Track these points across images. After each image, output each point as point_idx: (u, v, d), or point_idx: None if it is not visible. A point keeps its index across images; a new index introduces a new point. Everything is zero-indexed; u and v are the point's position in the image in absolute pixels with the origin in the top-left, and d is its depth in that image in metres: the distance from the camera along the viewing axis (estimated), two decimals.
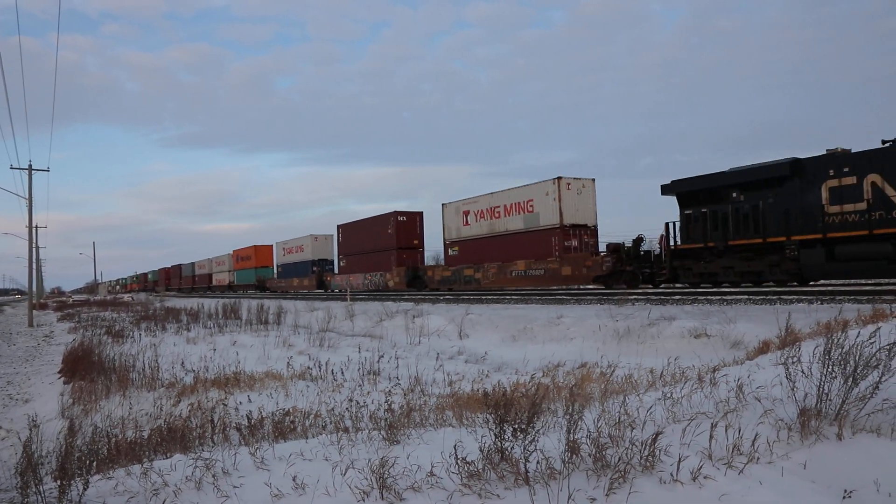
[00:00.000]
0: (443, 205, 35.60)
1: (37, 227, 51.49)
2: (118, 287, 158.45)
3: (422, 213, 40.50)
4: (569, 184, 27.78)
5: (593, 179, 28.64)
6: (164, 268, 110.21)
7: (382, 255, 39.89)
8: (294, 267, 55.08)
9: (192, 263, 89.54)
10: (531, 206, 29.20)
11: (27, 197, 36.50)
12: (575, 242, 27.45)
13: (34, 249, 40.39)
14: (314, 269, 51.14)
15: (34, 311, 36.18)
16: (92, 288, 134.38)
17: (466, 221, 33.91)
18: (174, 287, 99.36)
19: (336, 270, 50.17)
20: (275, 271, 61.45)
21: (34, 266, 40.30)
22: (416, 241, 39.56)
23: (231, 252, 71.17)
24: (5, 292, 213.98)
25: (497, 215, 31.60)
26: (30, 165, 35.84)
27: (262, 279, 62.85)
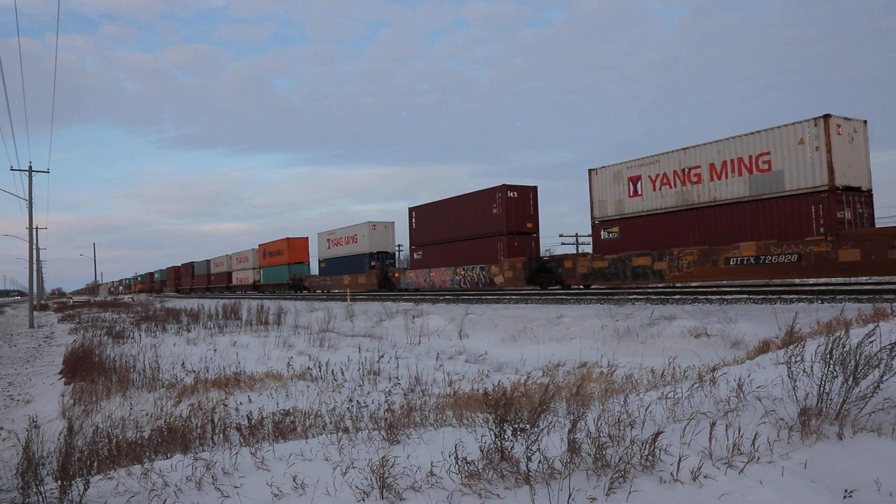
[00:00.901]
0: (590, 171, 26.39)
1: (37, 228, 51.59)
2: (121, 288, 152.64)
3: (535, 187, 30.38)
4: (839, 126, 18.99)
5: (864, 122, 19.82)
6: (174, 266, 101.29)
7: (484, 244, 30.68)
8: (344, 262, 45.90)
9: (208, 261, 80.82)
10: (765, 161, 20.39)
11: (27, 198, 36.51)
12: (848, 214, 19.00)
13: (34, 251, 40.39)
14: (372, 263, 42.14)
15: (35, 313, 36.18)
16: (92, 289, 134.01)
17: (635, 191, 24.67)
18: (185, 287, 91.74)
19: (397, 264, 44.03)
20: (316, 267, 51.93)
21: (34, 267, 40.29)
22: (529, 225, 30.06)
23: (256, 247, 63.01)
24: (6, 293, 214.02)
25: (695, 179, 22.52)
26: (30, 167, 35.85)
27: (298, 277, 54.41)
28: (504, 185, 29.65)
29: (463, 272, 32.70)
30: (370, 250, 42.79)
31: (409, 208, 37.20)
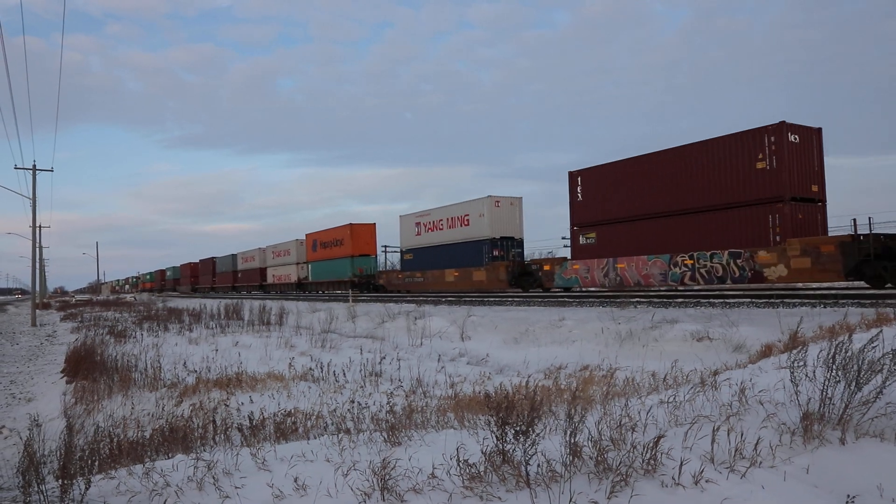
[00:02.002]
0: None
1: (40, 226, 51.64)
2: (127, 286, 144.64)
3: (820, 129, 20.37)
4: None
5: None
6: (190, 263, 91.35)
7: (741, 217, 20.28)
8: (447, 252, 34.66)
9: (233, 256, 71.44)
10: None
11: (31, 197, 36.59)
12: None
13: (37, 249, 40.45)
14: (495, 252, 31.69)
15: (37, 311, 36.24)
16: (95, 288, 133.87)
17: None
18: (204, 286, 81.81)
19: (545, 252, 32.17)
20: (398, 260, 40.70)
21: (37, 266, 40.35)
22: (815, 188, 20.09)
23: (303, 237, 53.48)
24: (8, 292, 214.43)
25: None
26: (34, 165, 35.93)
27: (368, 273, 44.17)
28: (784, 122, 19.24)
29: (689, 262, 21.74)
30: (491, 235, 31.83)
31: (572, 173, 26.46)
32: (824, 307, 14.14)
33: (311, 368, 10.18)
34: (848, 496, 3.38)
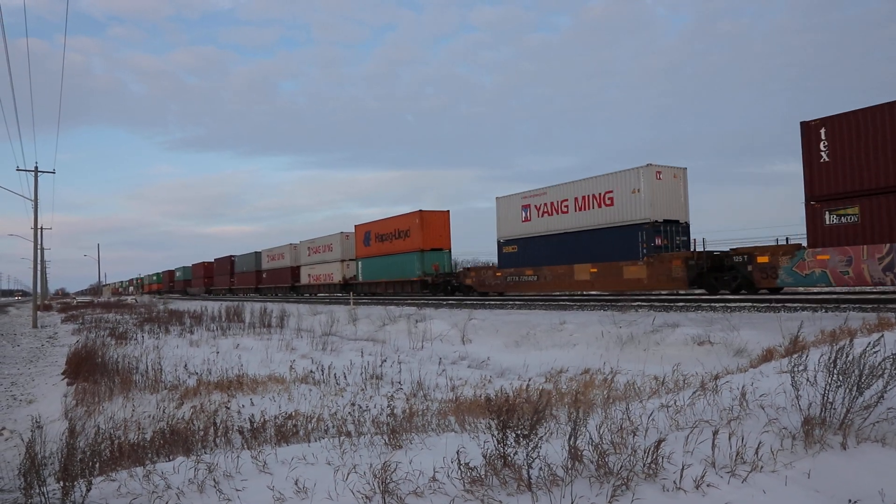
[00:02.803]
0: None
1: (42, 228, 51.67)
2: (132, 288, 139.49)
3: None
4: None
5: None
6: (203, 263, 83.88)
7: None
8: (574, 241, 27.09)
9: (257, 254, 63.87)
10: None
11: (33, 198, 36.63)
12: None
13: (39, 251, 40.47)
14: (657, 241, 23.93)
15: (38, 313, 36.26)
16: (96, 289, 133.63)
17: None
18: (220, 288, 75.54)
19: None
20: (497, 253, 31.73)
21: (39, 267, 40.38)
22: None
23: (348, 229, 45.94)
24: (9, 293, 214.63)
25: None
26: (35, 167, 35.97)
27: (446, 272, 36.57)
28: None
29: None
30: (651, 217, 23.98)
31: (809, 124, 18.87)
32: (826, 312, 14.14)
33: (311, 371, 10.18)
34: (849, 501, 3.37)
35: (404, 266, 38.52)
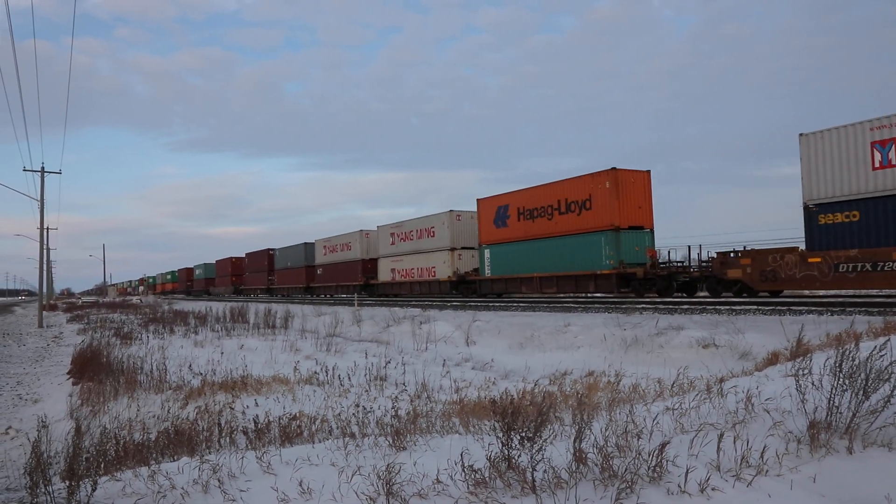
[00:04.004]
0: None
1: (48, 228, 51.85)
2: (142, 288, 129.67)
3: None
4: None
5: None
6: (230, 258, 72.34)
7: None
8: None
9: (308, 245, 52.07)
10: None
11: (39, 199, 36.76)
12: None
13: (45, 251, 40.64)
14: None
15: (44, 312, 36.38)
16: (102, 290, 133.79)
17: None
18: (254, 288, 63.94)
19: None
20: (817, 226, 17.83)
21: (45, 267, 40.55)
22: None
23: (462, 208, 34.58)
24: (15, 293, 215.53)
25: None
26: (42, 168, 36.09)
27: (674, 264, 24.66)
28: None
29: None
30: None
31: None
32: (831, 315, 14.08)
33: (316, 372, 10.19)
34: None
35: (580, 253, 25.79)
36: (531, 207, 28.65)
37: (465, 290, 33.48)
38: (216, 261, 78.59)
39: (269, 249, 59.91)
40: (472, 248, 33.91)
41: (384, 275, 41.03)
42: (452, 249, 34.62)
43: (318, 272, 50.35)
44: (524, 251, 28.84)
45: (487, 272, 31.39)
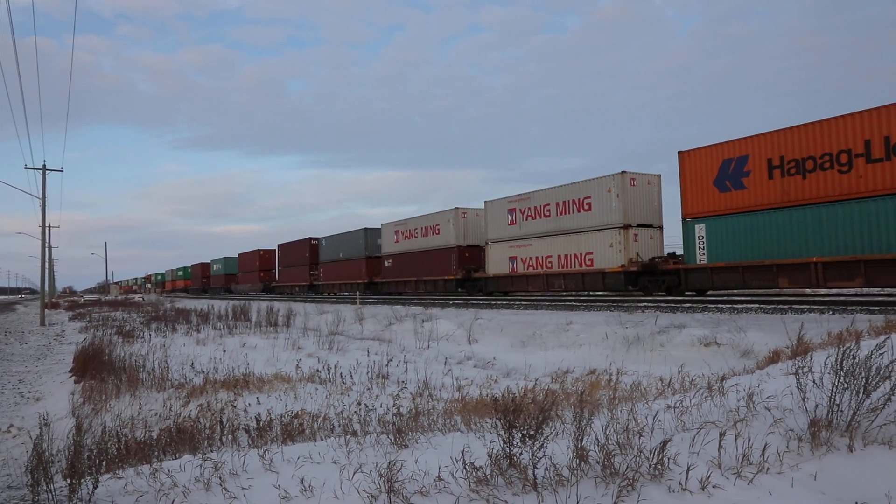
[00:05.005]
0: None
1: (49, 226, 51.90)
2: (148, 286, 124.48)
3: None
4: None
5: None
6: (258, 251, 63.76)
7: None
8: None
9: (369, 231, 43.22)
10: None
11: (41, 197, 36.80)
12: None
13: (47, 249, 40.68)
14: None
15: (46, 310, 36.43)
16: (104, 288, 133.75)
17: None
18: (291, 284, 55.48)
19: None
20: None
21: (46, 265, 40.60)
22: None
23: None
24: (17, 290, 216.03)
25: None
26: (44, 165, 36.10)
27: None
28: None
29: None
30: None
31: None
32: (833, 313, 14.08)
33: (318, 370, 10.20)
34: (856, 503, 3.36)
35: None
36: (799, 157, 19.08)
37: (649, 284, 24.18)
38: (239, 254, 70.25)
39: (310, 239, 51.60)
40: (650, 227, 25.57)
41: (497, 265, 31.49)
42: (625, 227, 24.82)
43: (387, 264, 40.78)
44: (787, 223, 19.27)
45: (701, 258, 21.67)
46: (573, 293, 29.01)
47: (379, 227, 42.88)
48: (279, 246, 59.13)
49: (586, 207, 26.79)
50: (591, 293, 28.74)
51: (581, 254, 26.89)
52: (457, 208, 34.76)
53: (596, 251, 26.11)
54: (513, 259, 30.62)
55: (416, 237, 38.27)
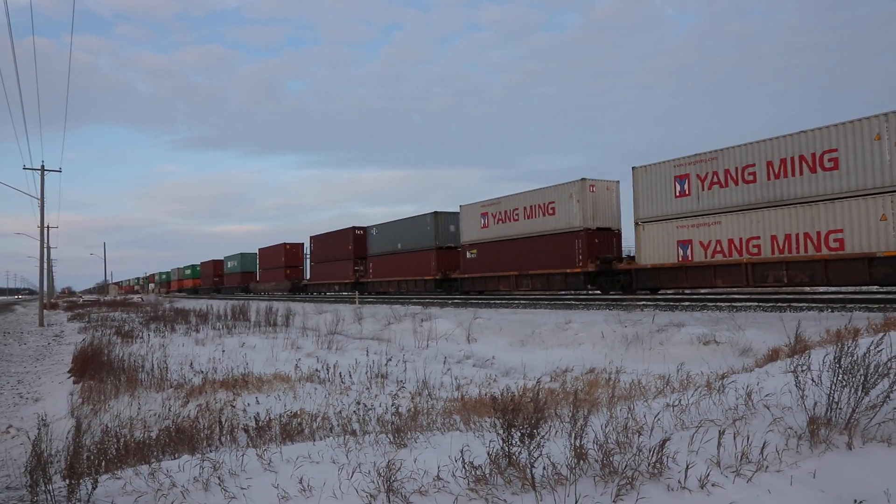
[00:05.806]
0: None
1: (48, 227, 51.83)
2: (152, 286, 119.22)
3: None
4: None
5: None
6: (285, 244, 56.06)
7: None
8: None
9: (440, 215, 35.96)
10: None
11: (39, 197, 36.76)
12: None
13: (45, 249, 40.64)
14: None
15: (45, 311, 36.40)
16: (103, 288, 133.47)
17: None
18: (329, 283, 47.91)
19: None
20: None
21: (45, 266, 40.56)
22: None
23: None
24: (16, 291, 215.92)
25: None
26: (42, 166, 36.05)
27: None
28: None
29: None
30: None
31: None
32: (831, 311, 14.08)
33: (317, 370, 10.19)
34: (855, 501, 3.36)
35: None
36: None
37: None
38: (259, 249, 62.07)
39: (354, 228, 43.74)
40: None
41: (655, 254, 23.10)
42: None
43: (469, 255, 32.82)
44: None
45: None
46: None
47: (455, 210, 35.27)
48: (312, 238, 51.36)
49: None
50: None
51: (825, 231, 20.71)
52: (583, 179, 26.65)
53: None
54: (686, 244, 23.90)
55: (512, 220, 30.44)
